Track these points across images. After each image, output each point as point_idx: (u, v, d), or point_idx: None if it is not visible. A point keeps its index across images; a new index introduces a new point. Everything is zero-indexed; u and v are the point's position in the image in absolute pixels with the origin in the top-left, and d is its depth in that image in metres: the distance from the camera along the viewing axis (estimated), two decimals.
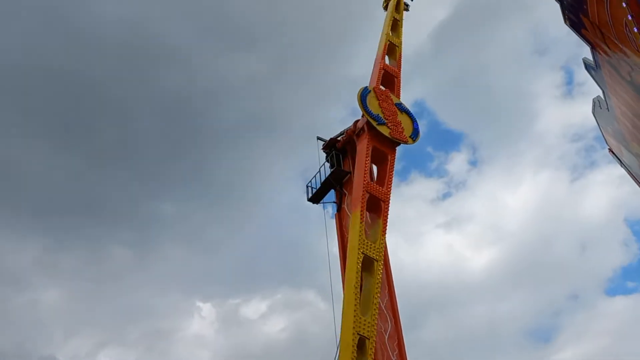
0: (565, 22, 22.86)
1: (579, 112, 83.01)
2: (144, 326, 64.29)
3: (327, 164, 24.19)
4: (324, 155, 24.68)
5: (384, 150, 22.42)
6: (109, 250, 66.24)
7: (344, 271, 21.50)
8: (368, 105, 22.82)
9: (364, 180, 20.75)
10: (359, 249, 18.66)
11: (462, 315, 65.73)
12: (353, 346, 16.22)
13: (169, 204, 71.14)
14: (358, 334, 16.58)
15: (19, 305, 59.14)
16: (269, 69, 75.48)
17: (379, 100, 23.47)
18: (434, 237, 73.93)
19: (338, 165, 23.44)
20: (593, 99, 27.57)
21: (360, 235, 19.03)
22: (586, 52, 24.20)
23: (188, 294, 69.47)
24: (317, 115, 72.02)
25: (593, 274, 73.75)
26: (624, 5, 16.72)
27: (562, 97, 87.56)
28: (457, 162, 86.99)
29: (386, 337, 19.21)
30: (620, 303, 73.99)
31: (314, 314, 58.79)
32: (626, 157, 28.33)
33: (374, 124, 22.29)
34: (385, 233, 20.18)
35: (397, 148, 22.96)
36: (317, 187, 23.86)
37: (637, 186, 29.79)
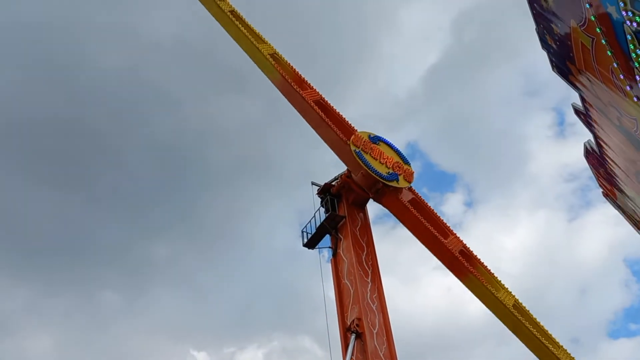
0: (552, 69, 23.42)
1: (572, 152, 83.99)
2: None
3: (322, 209, 24.23)
4: (319, 200, 24.76)
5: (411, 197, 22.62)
6: (99, 294, 65.31)
7: (341, 316, 21.29)
8: (376, 169, 22.35)
9: (444, 242, 20.13)
10: (506, 308, 18.54)
11: None
12: None
13: (160, 248, 70.59)
14: None
15: (8, 351, 57.80)
16: (261, 112, 76.39)
17: (369, 153, 22.91)
18: (431, 280, 73.22)
19: (333, 210, 23.47)
20: (584, 143, 27.92)
21: (500, 299, 18.69)
22: (575, 94, 24.72)
23: (181, 341, 68.01)
24: (310, 157, 72.42)
25: (594, 317, 72.95)
26: (609, 53, 17.20)
27: (554, 137, 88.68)
28: (452, 203, 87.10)
29: None
30: (624, 346, 72.79)
31: None
32: (620, 200, 28.50)
33: (395, 184, 22.22)
34: (492, 273, 20.10)
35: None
36: (313, 232, 23.82)
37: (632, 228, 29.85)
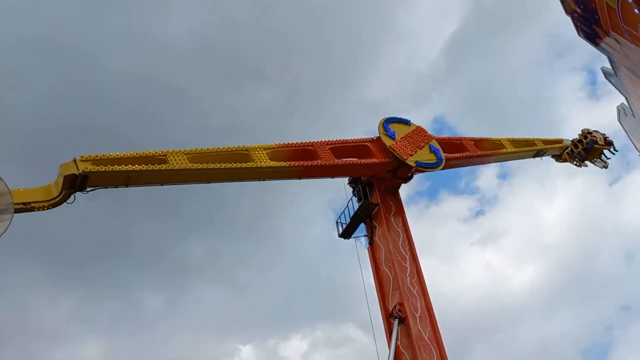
0: (578, 34, 22.80)
1: (607, 112, 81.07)
2: None
3: (355, 198, 24.20)
4: (350, 189, 24.71)
5: None
6: (141, 297, 66.45)
7: (383, 303, 21.35)
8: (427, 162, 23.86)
9: None
10: None
11: (510, 339, 63.64)
12: None
13: (196, 245, 70.97)
14: None
15: None
16: (282, 101, 75.58)
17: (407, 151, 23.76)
18: (470, 257, 72.28)
19: (365, 198, 23.38)
20: (617, 107, 27.21)
21: None
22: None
23: (225, 336, 68.85)
24: None
25: None
26: (636, 11, 16.67)
27: (587, 98, 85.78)
28: (486, 177, 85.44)
29: None
30: None
31: (356, 348, 57.66)
32: None
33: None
34: None
35: None
36: (347, 223, 23.80)
37: None
